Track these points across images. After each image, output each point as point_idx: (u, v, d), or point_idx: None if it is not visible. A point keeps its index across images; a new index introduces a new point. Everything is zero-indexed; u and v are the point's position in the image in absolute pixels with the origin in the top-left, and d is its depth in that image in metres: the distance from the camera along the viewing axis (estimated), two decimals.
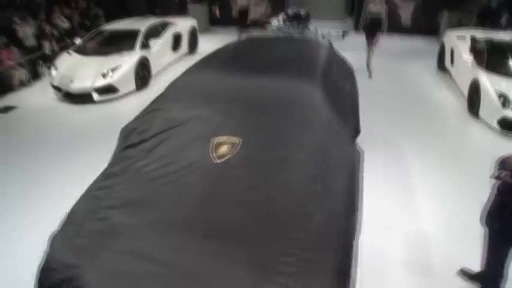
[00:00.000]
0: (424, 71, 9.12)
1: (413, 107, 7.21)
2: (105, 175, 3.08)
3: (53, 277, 2.35)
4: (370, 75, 8.45)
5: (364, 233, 3.17)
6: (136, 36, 8.48)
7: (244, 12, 11.02)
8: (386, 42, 9.34)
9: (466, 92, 7.01)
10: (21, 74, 8.78)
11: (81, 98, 7.48)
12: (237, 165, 2.82)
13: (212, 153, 2.94)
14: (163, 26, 9.49)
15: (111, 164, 3.19)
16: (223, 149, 2.96)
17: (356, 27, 11.16)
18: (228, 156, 2.89)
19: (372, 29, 8.42)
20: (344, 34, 9.51)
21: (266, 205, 2.56)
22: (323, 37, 9.47)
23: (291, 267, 2.23)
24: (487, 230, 3.08)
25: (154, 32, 9.02)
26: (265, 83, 3.55)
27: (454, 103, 7.33)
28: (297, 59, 4.27)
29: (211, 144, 3.00)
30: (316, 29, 9.96)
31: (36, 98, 8.15)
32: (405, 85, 8.29)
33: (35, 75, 9.15)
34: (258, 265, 2.24)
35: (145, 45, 8.42)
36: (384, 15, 8.43)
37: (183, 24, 10.17)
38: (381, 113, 6.67)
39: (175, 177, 2.84)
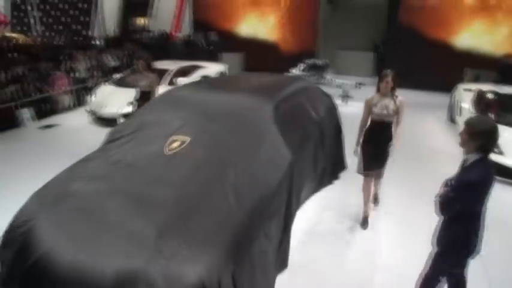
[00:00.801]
0: (434, 122, 9.45)
1: (417, 151, 7.54)
2: (83, 159, 3.86)
3: (11, 228, 3.08)
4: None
5: None
6: (167, 74, 9.61)
7: None
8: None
9: None
10: (67, 99, 10.23)
11: (110, 122, 8.53)
12: (180, 156, 3.52)
13: (166, 147, 3.66)
14: (194, 68, 10.63)
15: (91, 153, 3.98)
16: (175, 144, 3.67)
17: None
18: (176, 150, 3.60)
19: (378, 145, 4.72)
20: (358, 85, 10.08)
21: (187, 185, 3.22)
22: (338, 86, 10.14)
23: (194, 228, 2.82)
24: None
25: (184, 73, 10.13)
26: (223, 99, 4.26)
27: (454, 149, 7.56)
28: (263, 85, 4.95)
29: (167, 141, 3.72)
30: (332, 78, 10.66)
31: (75, 120, 9.46)
32: (414, 132, 8.59)
33: (79, 103, 10.56)
34: (167, 225, 2.84)
35: (172, 82, 9.49)
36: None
37: (213, 69, 11.28)
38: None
39: (132, 162, 3.58)
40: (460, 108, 8.41)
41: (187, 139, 3.69)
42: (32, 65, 10.27)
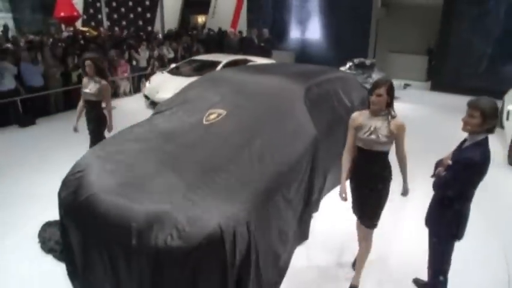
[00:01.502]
0: None
1: None
2: (132, 126, 4.40)
3: (70, 173, 3.65)
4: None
5: None
6: (217, 66, 10.16)
7: None
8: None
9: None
10: (126, 85, 11.12)
11: None
12: (215, 125, 3.96)
13: (204, 118, 4.11)
14: (243, 62, 11.09)
15: (140, 121, 4.53)
16: (212, 116, 4.12)
17: (432, 88, 11.63)
18: (212, 121, 4.05)
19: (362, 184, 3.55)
20: (404, 86, 10.04)
21: (218, 149, 3.66)
22: None
23: (220, 184, 3.22)
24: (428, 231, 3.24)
25: (234, 65, 10.61)
26: (259, 80, 4.64)
27: (499, 153, 7.48)
28: (299, 71, 5.27)
29: (206, 113, 4.17)
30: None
31: (132, 103, 10.30)
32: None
33: (137, 89, 11.42)
34: (196, 179, 3.27)
35: None
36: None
37: (261, 62, 11.69)
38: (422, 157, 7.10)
39: (174, 128, 4.07)
40: (508, 112, 8.21)
41: (223, 112, 4.12)
42: (99, 52, 11.23)
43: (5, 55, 9.16)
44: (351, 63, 11.27)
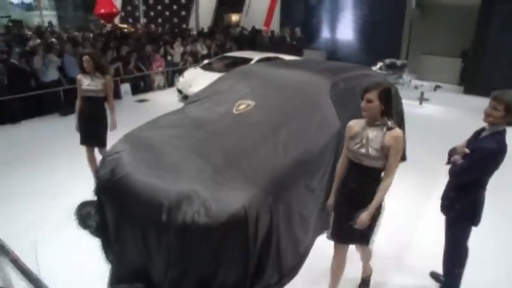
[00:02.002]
0: None
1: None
2: (165, 114, 4.66)
3: (107, 155, 3.94)
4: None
5: None
6: (248, 63, 10.35)
7: None
8: None
9: None
10: (160, 80, 11.52)
11: None
12: (244, 115, 4.17)
13: (234, 108, 4.32)
14: (274, 59, 11.24)
15: (173, 110, 4.79)
16: (241, 106, 4.33)
17: (465, 91, 11.45)
18: (241, 111, 4.24)
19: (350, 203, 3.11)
20: (435, 87, 9.95)
21: (246, 136, 3.86)
22: (415, 87, 10.13)
23: (245, 168, 3.42)
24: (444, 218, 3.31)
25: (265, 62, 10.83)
26: (288, 74, 4.81)
27: None
28: (327, 67, 5.39)
29: (236, 104, 4.38)
30: (410, 79, 10.66)
31: (165, 97, 10.70)
32: None
33: (170, 83, 11.82)
34: (223, 163, 3.48)
35: None
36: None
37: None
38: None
39: (204, 117, 4.30)
40: None
41: (252, 103, 4.33)
42: (136, 47, 11.70)
43: (50, 48, 9.72)
44: (381, 64, 11.27)
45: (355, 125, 2.98)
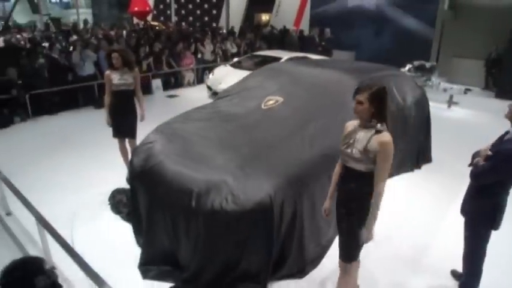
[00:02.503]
0: None
1: None
2: (195, 108, 4.88)
3: (140, 145, 4.17)
4: None
5: None
6: (278, 61, 10.50)
7: None
8: None
9: None
10: (191, 76, 11.82)
11: None
12: (272, 110, 4.33)
13: (263, 104, 4.48)
14: (303, 59, 11.36)
15: (203, 104, 4.99)
16: (270, 102, 4.50)
17: (497, 95, 11.21)
18: (270, 106, 4.41)
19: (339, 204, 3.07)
20: (465, 91, 9.80)
21: (274, 130, 4.03)
22: (444, 90, 10.03)
23: (272, 160, 3.58)
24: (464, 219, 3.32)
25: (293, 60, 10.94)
26: (315, 73, 4.93)
27: None
28: (354, 67, 5.48)
29: (264, 99, 4.54)
30: (439, 82, 10.54)
31: (194, 93, 10.97)
32: None
33: (200, 80, 12.11)
34: (251, 155, 3.65)
35: None
36: None
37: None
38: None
39: (234, 112, 4.48)
40: None
41: (281, 99, 4.49)
42: (168, 45, 12.04)
43: (87, 44, 10.16)
44: (410, 66, 11.18)
45: (350, 125, 2.88)
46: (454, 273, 3.86)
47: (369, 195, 2.74)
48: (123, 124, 5.40)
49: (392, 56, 13.52)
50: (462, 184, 3.78)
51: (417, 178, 5.79)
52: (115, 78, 5.19)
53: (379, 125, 2.68)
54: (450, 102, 9.73)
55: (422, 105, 5.90)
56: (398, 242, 4.35)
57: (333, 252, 3.89)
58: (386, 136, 2.64)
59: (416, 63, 11.17)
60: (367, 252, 4.08)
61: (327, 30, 14.31)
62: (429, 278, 3.86)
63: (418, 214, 4.94)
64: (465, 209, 3.34)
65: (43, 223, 3.51)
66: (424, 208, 5.08)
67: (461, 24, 12.90)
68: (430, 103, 6.26)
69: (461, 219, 3.55)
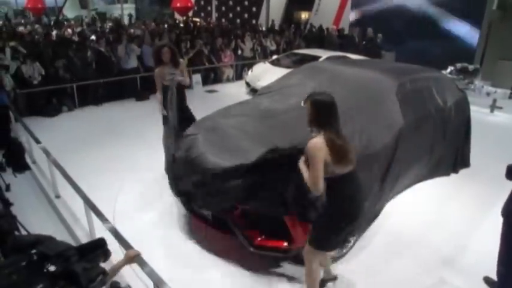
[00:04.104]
0: None
1: None
2: (239, 102, 5.04)
3: (184, 137, 4.38)
4: None
5: None
6: (316, 61, 10.52)
7: None
8: None
9: None
10: (230, 72, 12.03)
11: None
12: None
13: (303, 101, 4.55)
14: (342, 58, 11.32)
15: (243, 100, 5.15)
16: None
17: None
18: None
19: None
20: (511, 95, 9.46)
21: None
22: (487, 94, 9.73)
23: None
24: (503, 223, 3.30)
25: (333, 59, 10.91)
26: (356, 73, 4.95)
27: None
28: (396, 68, 5.45)
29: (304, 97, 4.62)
30: (482, 85, 10.23)
31: (232, 89, 11.20)
32: None
33: (239, 77, 12.30)
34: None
35: None
36: None
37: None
38: None
39: (274, 108, 4.59)
40: None
41: None
42: (209, 40, 12.29)
43: (132, 38, 10.54)
44: (452, 68, 10.89)
45: None
46: (487, 280, 3.80)
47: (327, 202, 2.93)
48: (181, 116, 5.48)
49: (434, 58, 13.25)
50: (500, 190, 3.74)
51: (453, 182, 5.70)
52: (166, 73, 5.32)
53: (314, 131, 2.83)
54: (493, 106, 9.43)
55: (462, 108, 5.80)
56: (430, 246, 4.33)
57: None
58: (313, 141, 2.73)
59: (458, 65, 10.86)
60: (399, 254, 4.19)
61: (369, 30, 14.11)
62: (461, 284, 3.83)
63: (452, 219, 4.89)
64: (504, 210, 3.31)
65: (90, 205, 3.74)
66: (458, 213, 5.01)
67: (510, 25, 12.40)
68: (472, 107, 6.13)
69: (495, 225, 3.52)
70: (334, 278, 3.67)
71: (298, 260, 3.61)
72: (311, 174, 2.72)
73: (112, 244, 2.59)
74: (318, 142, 2.70)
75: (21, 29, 14.32)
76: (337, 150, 2.70)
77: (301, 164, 2.89)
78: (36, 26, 15.76)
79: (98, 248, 2.11)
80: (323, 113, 2.79)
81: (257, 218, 3.65)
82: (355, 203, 2.97)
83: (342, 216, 2.93)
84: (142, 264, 2.79)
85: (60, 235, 4.44)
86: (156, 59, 5.42)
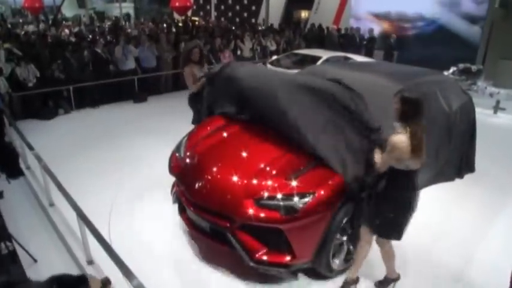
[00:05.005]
0: None
1: None
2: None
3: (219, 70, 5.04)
4: None
5: None
6: (317, 61, 10.35)
7: None
8: None
9: None
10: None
11: None
12: None
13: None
14: (344, 59, 11.12)
15: None
16: None
17: None
18: None
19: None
20: None
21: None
22: (491, 95, 9.60)
23: None
24: None
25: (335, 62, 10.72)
26: (358, 77, 4.77)
27: None
28: (399, 72, 5.30)
29: None
30: (485, 86, 10.07)
31: None
32: None
33: None
34: None
35: None
36: None
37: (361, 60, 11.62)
38: None
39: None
40: None
41: None
42: (207, 40, 12.11)
43: (129, 39, 10.38)
44: (454, 68, 10.69)
45: None
46: None
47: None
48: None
49: (435, 58, 13.10)
50: (506, 196, 3.60)
51: (458, 188, 5.55)
52: (197, 71, 5.57)
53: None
54: (497, 107, 9.28)
55: (468, 112, 5.64)
56: (437, 254, 4.20)
57: None
58: (395, 137, 3.05)
59: (461, 66, 10.65)
60: (404, 263, 4.05)
61: (371, 29, 13.96)
62: None
63: (458, 226, 4.76)
64: None
65: (83, 219, 3.60)
66: (464, 220, 4.88)
67: None
68: (475, 109, 5.99)
69: (503, 232, 3.39)
70: (357, 280, 3.69)
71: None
72: (383, 159, 3.15)
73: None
74: (400, 141, 3.00)
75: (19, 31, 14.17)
76: (416, 144, 2.99)
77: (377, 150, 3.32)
78: (31, 26, 15.59)
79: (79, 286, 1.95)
80: (410, 109, 3.04)
81: (257, 231, 3.50)
82: (416, 198, 3.33)
83: (408, 209, 3.26)
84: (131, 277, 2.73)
85: (54, 245, 4.32)
86: (186, 58, 5.67)
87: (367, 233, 3.42)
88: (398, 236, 3.35)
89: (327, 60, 10.48)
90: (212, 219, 3.68)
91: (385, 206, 3.24)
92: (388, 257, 3.58)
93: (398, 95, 3.13)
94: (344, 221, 3.62)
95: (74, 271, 3.85)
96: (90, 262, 3.95)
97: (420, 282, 3.84)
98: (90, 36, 12.17)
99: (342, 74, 5.06)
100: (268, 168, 3.74)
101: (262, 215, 3.41)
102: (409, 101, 3.06)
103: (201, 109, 5.44)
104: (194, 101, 5.68)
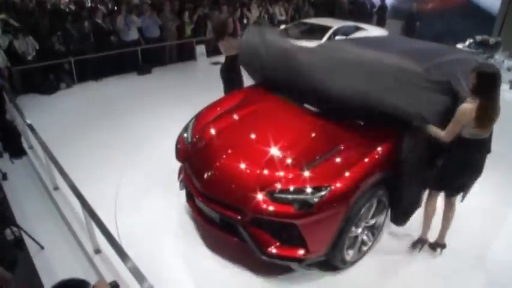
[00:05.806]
0: None
1: None
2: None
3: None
4: None
5: None
6: (327, 31, 9.95)
7: None
8: None
9: None
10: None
11: None
12: None
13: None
14: (354, 29, 10.70)
15: None
16: None
17: None
18: None
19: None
20: None
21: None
22: (508, 69, 9.21)
23: None
24: None
25: (345, 32, 10.30)
26: (376, 57, 4.46)
27: None
28: (420, 50, 4.97)
29: None
30: (503, 60, 9.64)
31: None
32: None
33: None
34: None
35: (331, 39, 9.81)
36: None
37: (373, 32, 11.08)
38: None
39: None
40: None
41: None
42: (212, 8, 11.65)
43: (131, 9, 9.95)
44: (471, 41, 10.14)
45: None
46: None
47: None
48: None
49: (449, 28, 12.59)
50: None
51: None
52: (234, 42, 5.55)
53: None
54: None
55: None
56: (456, 245, 4.04)
57: None
58: (462, 105, 3.27)
59: (478, 38, 10.08)
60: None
61: None
62: (481, 274, 3.70)
63: (475, 213, 4.58)
64: None
65: (89, 212, 3.45)
66: (481, 208, 4.70)
67: None
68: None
69: None
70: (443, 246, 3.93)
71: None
72: (449, 129, 3.30)
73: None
74: (466, 108, 3.19)
75: None
76: (483, 118, 3.16)
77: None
78: None
79: None
80: (485, 83, 3.15)
81: (269, 225, 3.34)
82: (479, 167, 3.55)
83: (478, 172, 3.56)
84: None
85: (60, 231, 4.21)
86: (220, 31, 5.60)
87: (433, 197, 3.77)
88: (464, 195, 3.80)
89: (337, 30, 10.09)
90: (222, 211, 3.50)
91: (455, 169, 3.50)
92: (448, 220, 3.81)
93: (475, 71, 3.20)
94: (361, 212, 3.45)
95: (82, 260, 3.80)
96: (97, 251, 3.84)
97: (435, 272, 3.72)
98: (91, 4, 11.71)
99: (358, 53, 4.76)
100: (282, 157, 3.54)
101: (275, 209, 3.23)
102: (486, 74, 3.16)
103: (236, 80, 5.56)
104: (231, 70, 5.67)
